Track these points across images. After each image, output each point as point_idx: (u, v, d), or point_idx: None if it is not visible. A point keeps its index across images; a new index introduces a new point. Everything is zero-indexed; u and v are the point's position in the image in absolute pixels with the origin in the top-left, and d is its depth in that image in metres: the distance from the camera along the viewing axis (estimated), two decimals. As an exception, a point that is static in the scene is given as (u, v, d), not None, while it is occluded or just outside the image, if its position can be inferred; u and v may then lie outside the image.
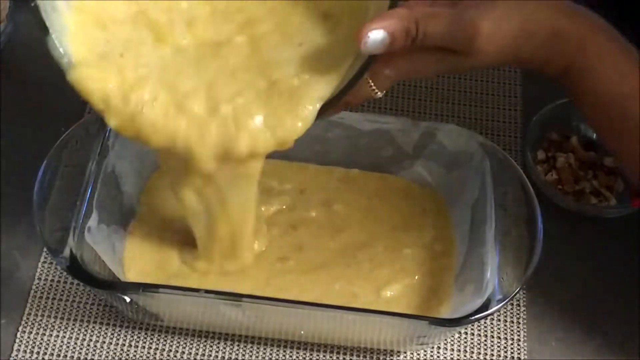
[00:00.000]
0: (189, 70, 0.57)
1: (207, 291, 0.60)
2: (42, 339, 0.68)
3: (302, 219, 0.71)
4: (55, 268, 0.71)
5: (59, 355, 0.67)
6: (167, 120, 0.55)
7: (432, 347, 0.69)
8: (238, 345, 0.68)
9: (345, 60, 0.56)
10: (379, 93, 0.58)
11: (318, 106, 0.55)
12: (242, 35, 0.58)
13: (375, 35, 0.53)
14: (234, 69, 0.57)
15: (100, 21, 0.57)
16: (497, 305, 0.60)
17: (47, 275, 0.71)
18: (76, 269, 0.61)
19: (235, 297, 0.60)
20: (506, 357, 0.69)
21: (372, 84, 0.57)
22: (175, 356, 0.68)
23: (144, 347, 0.68)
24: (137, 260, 0.68)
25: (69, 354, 0.67)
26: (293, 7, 0.59)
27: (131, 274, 0.68)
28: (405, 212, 0.72)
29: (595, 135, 0.78)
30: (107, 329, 0.69)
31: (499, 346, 0.69)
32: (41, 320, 0.69)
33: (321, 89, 0.55)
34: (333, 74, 0.55)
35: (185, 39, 0.58)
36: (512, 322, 0.70)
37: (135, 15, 0.58)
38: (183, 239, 0.69)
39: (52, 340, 0.68)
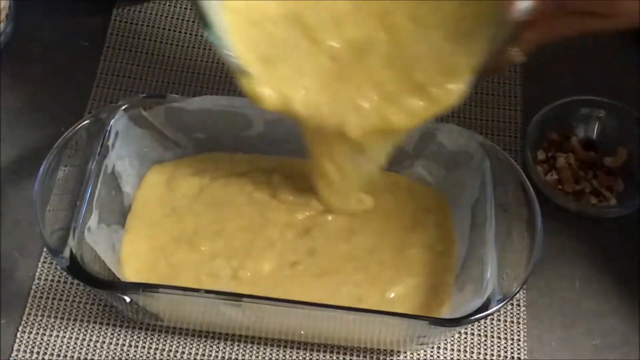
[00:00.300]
0: (345, 79, 0.60)
1: (207, 291, 0.60)
2: (42, 339, 0.68)
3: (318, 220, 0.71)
4: (55, 268, 0.71)
5: (59, 355, 0.67)
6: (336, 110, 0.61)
7: (432, 347, 0.69)
8: (238, 345, 0.68)
9: (484, 29, 0.59)
10: (522, 57, 0.60)
11: (470, 77, 0.58)
12: (383, 31, 0.61)
13: (525, 0, 0.55)
14: (382, 78, 0.60)
15: (253, 20, 0.60)
16: (497, 305, 0.60)
17: (47, 275, 0.71)
18: (76, 269, 0.61)
19: (235, 297, 0.60)
20: (506, 357, 0.69)
21: (516, 49, 0.60)
22: (175, 356, 0.68)
23: (144, 347, 0.68)
24: (134, 255, 0.68)
25: (69, 354, 0.67)
26: None
27: (129, 269, 0.68)
28: (411, 210, 0.72)
29: (595, 135, 0.78)
30: (107, 329, 0.69)
31: (499, 346, 0.69)
32: (41, 320, 0.69)
33: (469, 60, 0.59)
34: (477, 45, 0.59)
35: (337, 42, 0.60)
36: (512, 322, 0.70)
37: (286, 14, 0.61)
38: (178, 233, 0.69)
39: (52, 340, 0.68)
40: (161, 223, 0.70)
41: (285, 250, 0.69)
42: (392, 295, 0.67)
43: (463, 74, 0.59)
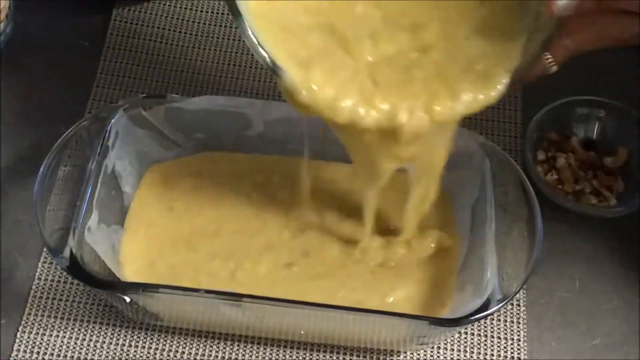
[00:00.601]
0: (384, 85, 0.58)
1: (207, 291, 0.60)
2: (42, 339, 0.68)
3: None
4: (55, 268, 0.71)
5: (59, 355, 0.67)
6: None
7: (432, 347, 0.69)
8: (238, 345, 0.68)
9: (517, 35, 0.57)
10: (555, 67, 0.58)
11: (507, 79, 0.56)
12: (414, 51, 0.59)
13: None
14: (419, 85, 0.58)
15: (286, 27, 0.58)
16: (497, 305, 0.60)
17: (47, 275, 0.71)
18: (76, 269, 0.61)
19: (235, 297, 0.60)
20: (506, 357, 0.69)
21: (549, 57, 0.58)
22: (175, 356, 0.68)
23: (144, 347, 0.68)
24: (133, 255, 0.68)
25: (69, 354, 0.67)
26: None
27: (129, 269, 0.68)
28: None
29: (595, 135, 0.78)
30: (107, 329, 0.69)
31: (499, 346, 0.69)
32: (41, 320, 0.69)
33: (505, 64, 0.57)
34: (511, 52, 0.57)
35: (373, 57, 0.59)
36: (512, 322, 0.70)
37: (320, 24, 0.59)
38: (176, 233, 0.69)
39: (52, 340, 0.68)
40: (160, 223, 0.70)
41: (281, 252, 0.69)
42: (391, 299, 0.67)
43: (500, 75, 0.57)
